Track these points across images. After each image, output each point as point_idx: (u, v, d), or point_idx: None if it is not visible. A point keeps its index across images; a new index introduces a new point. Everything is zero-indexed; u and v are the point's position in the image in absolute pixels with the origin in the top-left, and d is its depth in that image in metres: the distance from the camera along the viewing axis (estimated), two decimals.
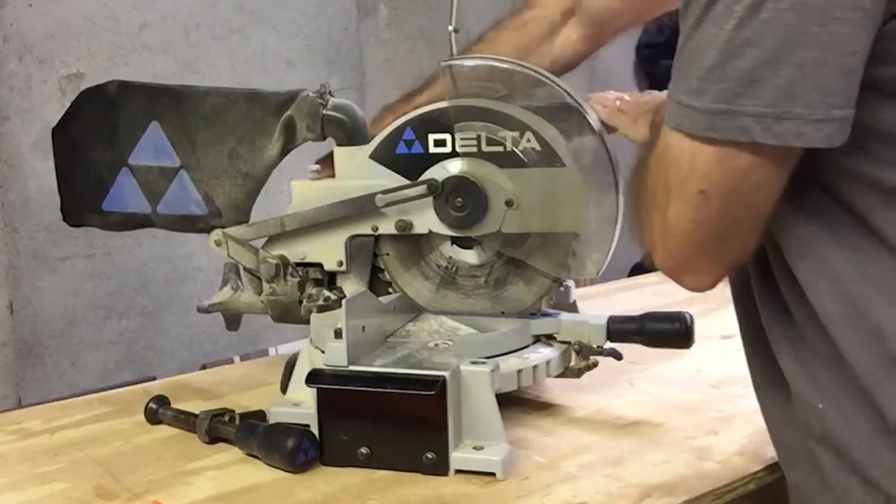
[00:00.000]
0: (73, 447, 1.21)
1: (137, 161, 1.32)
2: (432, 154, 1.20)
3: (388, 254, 1.27)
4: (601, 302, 1.75)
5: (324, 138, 1.27)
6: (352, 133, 1.26)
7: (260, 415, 1.19)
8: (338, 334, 1.09)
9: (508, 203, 1.17)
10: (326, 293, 1.28)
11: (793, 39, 0.73)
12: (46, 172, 2.69)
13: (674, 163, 0.80)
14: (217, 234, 1.30)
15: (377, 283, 1.29)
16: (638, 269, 4.15)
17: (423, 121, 1.20)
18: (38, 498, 1.07)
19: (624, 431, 1.20)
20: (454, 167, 1.19)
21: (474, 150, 1.18)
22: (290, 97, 1.27)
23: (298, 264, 1.29)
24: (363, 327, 1.13)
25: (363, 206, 1.22)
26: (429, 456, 1.06)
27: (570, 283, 1.42)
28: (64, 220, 1.38)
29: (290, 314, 1.30)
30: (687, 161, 0.79)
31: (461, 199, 1.19)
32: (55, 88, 2.66)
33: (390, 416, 1.07)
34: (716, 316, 1.48)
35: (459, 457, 1.06)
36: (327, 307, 1.26)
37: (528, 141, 1.15)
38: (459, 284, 1.26)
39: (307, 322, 1.26)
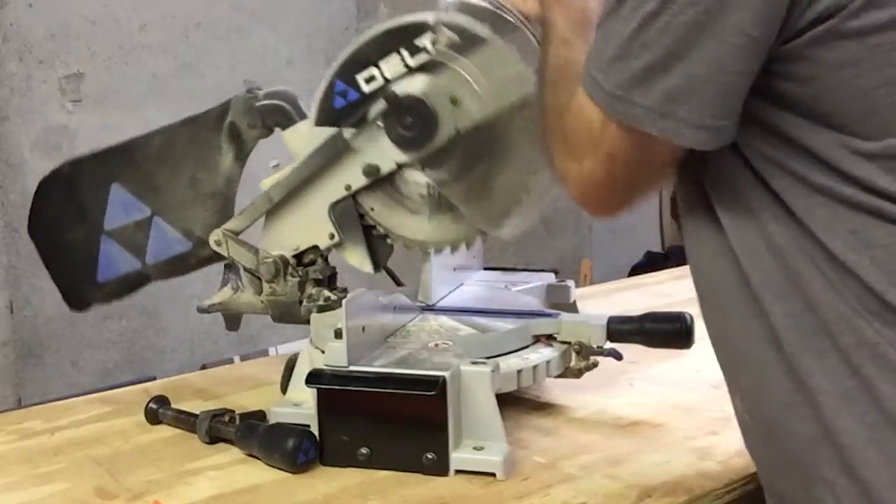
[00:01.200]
0: (73, 447, 1.21)
1: (112, 225, 1.36)
2: (368, 93, 1.20)
3: (372, 208, 1.26)
4: (601, 302, 1.75)
5: (270, 130, 1.29)
6: (293, 113, 1.27)
7: (260, 415, 1.19)
8: (338, 334, 1.09)
9: (453, 101, 1.18)
10: (326, 293, 1.28)
11: (681, 51, 0.80)
12: (46, 172, 2.69)
13: (587, 124, 0.88)
14: (217, 233, 1.30)
15: (375, 241, 1.28)
16: (638, 269, 4.17)
17: (346, 67, 1.21)
18: (38, 498, 1.07)
19: (624, 431, 1.20)
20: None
21: (403, 69, 1.18)
22: (222, 107, 1.30)
23: (298, 261, 1.29)
24: (363, 327, 1.13)
25: (335, 145, 1.22)
26: (429, 456, 1.06)
27: (570, 282, 1.42)
28: (70, 308, 1.41)
29: (290, 314, 1.30)
30: (598, 126, 0.87)
31: (410, 118, 1.19)
32: (55, 88, 2.66)
33: (390, 417, 1.07)
34: None
35: (459, 457, 1.06)
36: (327, 307, 1.26)
37: (445, 35, 1.16)
38: (449, 205, 1.24)
39: (307, 322, 1.26)
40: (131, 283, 1.37)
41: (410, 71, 1.18)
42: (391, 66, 1.19)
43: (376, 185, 1.24)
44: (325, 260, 1.31)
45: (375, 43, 1.19)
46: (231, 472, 1.10)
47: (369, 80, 1.20)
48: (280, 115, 1.28)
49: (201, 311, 1.36)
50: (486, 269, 1.51)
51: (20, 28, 2.58)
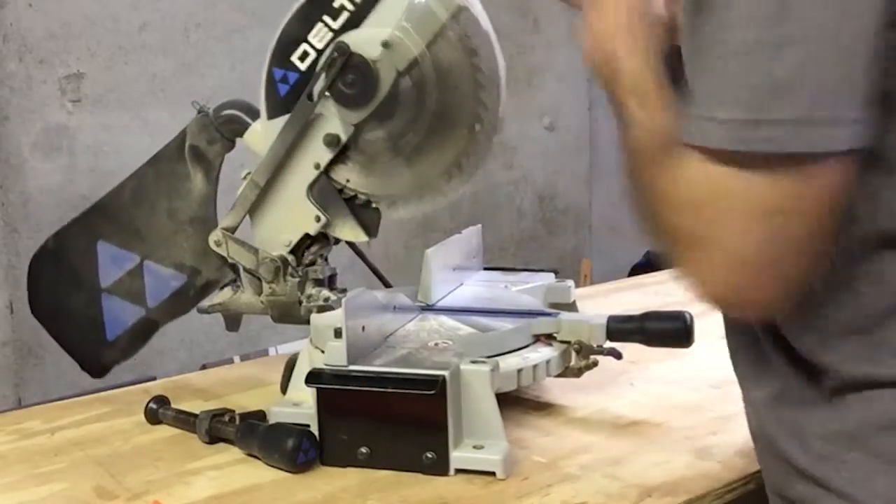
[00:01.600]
0: (73, 447, 1.21)
1: (108, 281, 1.37)
2: (306, 70, 1.22)
3: (347, 180, 1.26)
4: (601, 302, 1.75)
5: (231, 141, 1.31)
6: (245, 118, 1.29)
7: (260, 415, 1.19)
8: (338, 334, 1.09)
9: (385, 45, 1.18)
10: (326, 293, 1.28)
11: (820, 37, 0.69)
12: (46, 172, 2.70)
13: (702, 190, 0.74)
14: (216, 233, 1.30)
15: (360, 211, 1.28)
16: (638, 269, 4.16)
17: (278, 53, 1.22)
18: (38, 498, 1.07)
19: (624, 431, 1.20)
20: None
21: (331, 34, 1.20)
22: (180, 136, 1.31)
23: (298, 261, 1.29)
24: (363, 327, 1.13)
25: (303, 113, 1.22)
26: (429, 455, 1.06)
27: (570, 282, 1.42)
28: (92, 376, 1.42)
29: (290, 314, 1.30)
30: (720, 183, 0.73)
31: (350, 76, 1.20)
32: (55, 88, 2.66)
33: (390, 416, 1.07)
34: (716, 316, 1.48)
35: (459, 456, 1.06)
36: (327, 307, 1.26)
37: None
38: (421, 151, 1.24)
39: (307, 322, 1.26)
40: (142, 332, 1.38)
41: (337, 33, 1.20)
42: (318, 35, 1.20)
43: (344, 156, 1.25)
44: (326, 260, 1.31)
45: (297, 20, 1.21)
46: (231, 472, 1.10)
47: (303, 56, 1.22)
48: (235, 124, 1.29)
49: (201, 311, 1.36)
50: (486, 268, 1.51)
51: (20, 28, 2.58)
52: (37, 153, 2.63)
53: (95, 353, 1.40)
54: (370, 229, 1.29)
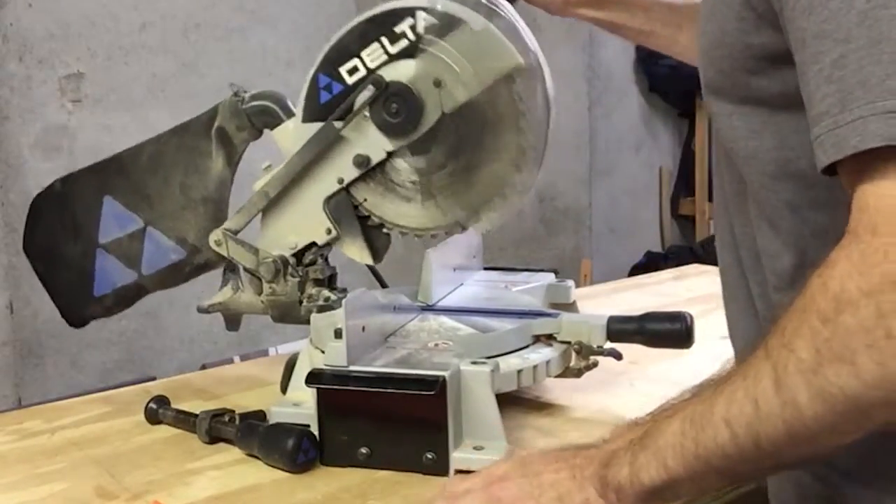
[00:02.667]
0: (73, 447, 1.21)
1: (107, 238, 1.36)
2: (352, 84, 1.21)
3: (365, 199, 1.26)
4: (601, 302, 1.75)
5: (259, 131, 1.30)
6: (279, 113, 1.28)
7: (260, 415, 1.19)
8: (338, 334, 1.09)
9: (437, 84, 1.18)
10: (326, 293, 1.28)
11: None
12: (46, 172, 2.70)
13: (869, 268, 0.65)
14: (217, 233, 1.30)
15: (372, 232, 1.28)
16: (638, 269, 4.17)
17: (328, 61, 1.21)
18: (38, 498, 1.07)
19: None
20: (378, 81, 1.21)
21: (385, 57, 1.19)
22: (211, 112, 1.30)
23: (298, 261, 1.29)
24: (363, 327, 1.13)
25: (326, 136, 1.22)
26: (429, 456, 1.06)
27: (570, 282, 1.42)
28: (69, 324, 1.41)
29: (290, 314, 1.30)
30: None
31: (395, 104, 1.19)
32: (55, 88, 2.66)
33: (390, 416, 1.07)
34: (716, 316, 1.47)
35: (459, 457, 1.06)
36: (327, 307, 1.26)
37: (423, 20, 1.17)
38: (438, 188, 1.24)
39: (307, 322, 1.26)
40: (128, 296, 1.38)
41: (392, 58, 1.19)
42: (372, 54, 1.19)
43: (367, 176, 1.24)
44: (326, 260, 1.31)
45: (355, 34, 1.20)
46: (231, 472, 1.10)
47: (352, 71, 1.21)
48: (267, 116, 1.28)
49: (201, 311, 1.36)
50: (486, 269, 1.51)
51: (20, 28, 2.58)
52: (37, 153, 2.63)
53: (79, 304, 1.39)
54: (378, 253, 1.28)
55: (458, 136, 1.20)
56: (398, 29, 1.18)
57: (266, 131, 1.29)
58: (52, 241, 1.39)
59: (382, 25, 1.18)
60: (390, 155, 1.22)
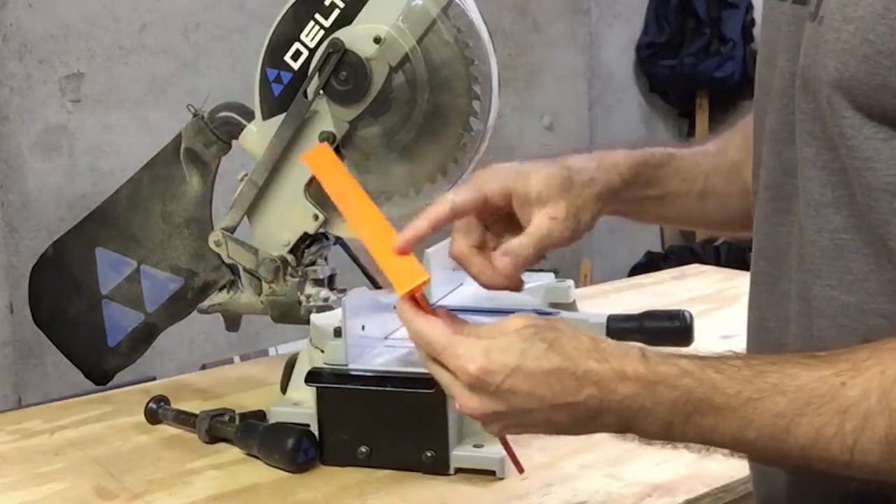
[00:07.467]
0: (73, 447, 1.21)
1: (108, 287, 1.37)
2: (300, 69, 1.22)
3: None
4: (601, 302, 1.75)
5: (228, 143, 1.31)
6: (241, 120, 1.29)
7: (260, 415, 1.19)
8: (337, 333, 1.09)
9: (377, 40, 1.18)
10: (326, 293, 1.28)
11: None
12: (46, 172, 2.70)
13: None
14: (216, 234, 1.30)
15: None
16: (638, 269, 4.16)
17: (271, 53, 1.23)
18: (38, 498, 1.07)
19: None
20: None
21: (322, 32, 1.20)
22: (175, 139, 1.31)
23: (298, 261, 1.29)
24: (363, 327, 1.13)
25: (299, 109, 1.23)
26: (429, 454, 1.06)
27: (570, 282, 1.42)
28: (95, 384, 1.42)
29: (290, 314, 1.30)
30: None
31: (343, 72, 1.20)
32: (55, 88, 2.66)
33: (390, 415, 1.07)
34: (716, 315, 1.48)
35: (460, 455, 1.06)
36: (327, 307, 1.26)
37: None
38: (409, 144, 1.24)
39: (307, 322, 1.26)
40: (142, 338, 1.38)
41: (329, 30, 1.20)
42: (310, 33, 1.21)
43: (339, 154, 1.24)
44: (326, 260, 1.31)
45: (289, 20, 1.22)
46: (231, 472, 1.11)
47: (296, 56, 1.22)
48: (231, 125, 1.29)
49: (201, 311, 1.36)
50: None
51: (20, 28, 2.58)
52: (37, 153, 2.63)
53: (98, 359, 1.40)
54: None
55: (412, 89, 1.21)
56: (327, 1, 1.20)
57: (234, 142, 1.30)
58: (57, 306, 1.41)
59: (312, 3, 1.20)
60: (353, 127, 1.23)
